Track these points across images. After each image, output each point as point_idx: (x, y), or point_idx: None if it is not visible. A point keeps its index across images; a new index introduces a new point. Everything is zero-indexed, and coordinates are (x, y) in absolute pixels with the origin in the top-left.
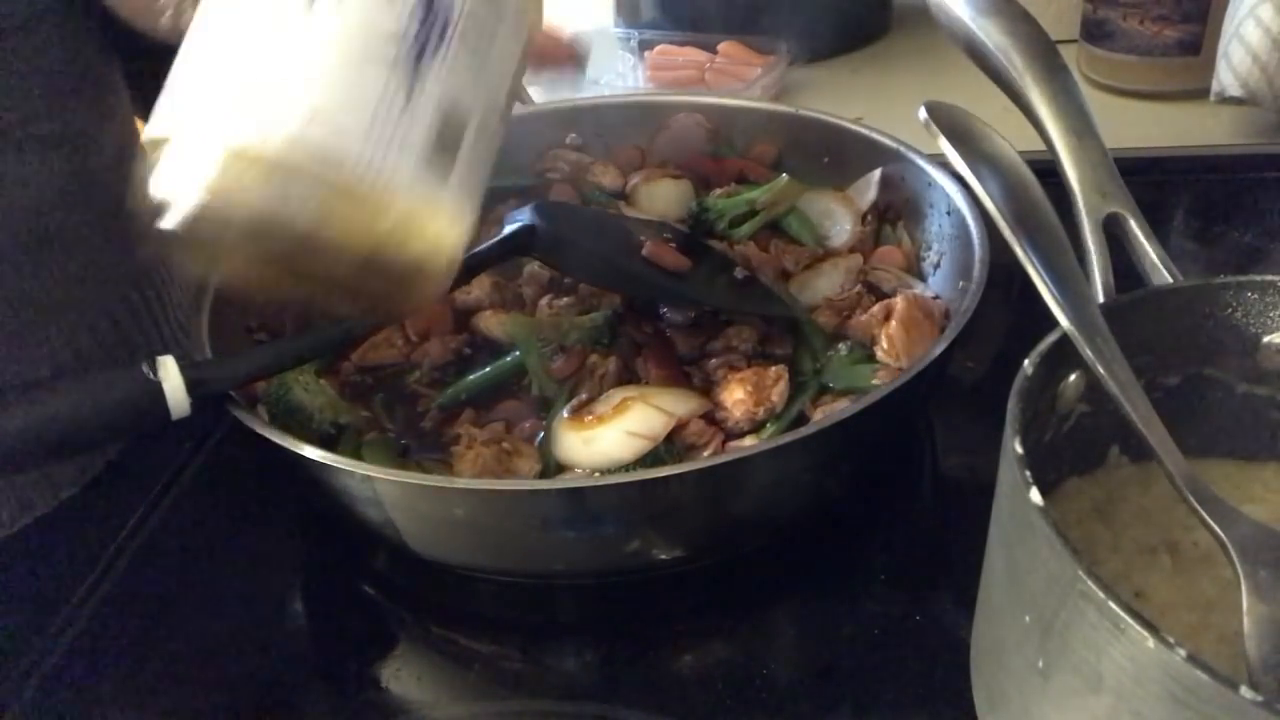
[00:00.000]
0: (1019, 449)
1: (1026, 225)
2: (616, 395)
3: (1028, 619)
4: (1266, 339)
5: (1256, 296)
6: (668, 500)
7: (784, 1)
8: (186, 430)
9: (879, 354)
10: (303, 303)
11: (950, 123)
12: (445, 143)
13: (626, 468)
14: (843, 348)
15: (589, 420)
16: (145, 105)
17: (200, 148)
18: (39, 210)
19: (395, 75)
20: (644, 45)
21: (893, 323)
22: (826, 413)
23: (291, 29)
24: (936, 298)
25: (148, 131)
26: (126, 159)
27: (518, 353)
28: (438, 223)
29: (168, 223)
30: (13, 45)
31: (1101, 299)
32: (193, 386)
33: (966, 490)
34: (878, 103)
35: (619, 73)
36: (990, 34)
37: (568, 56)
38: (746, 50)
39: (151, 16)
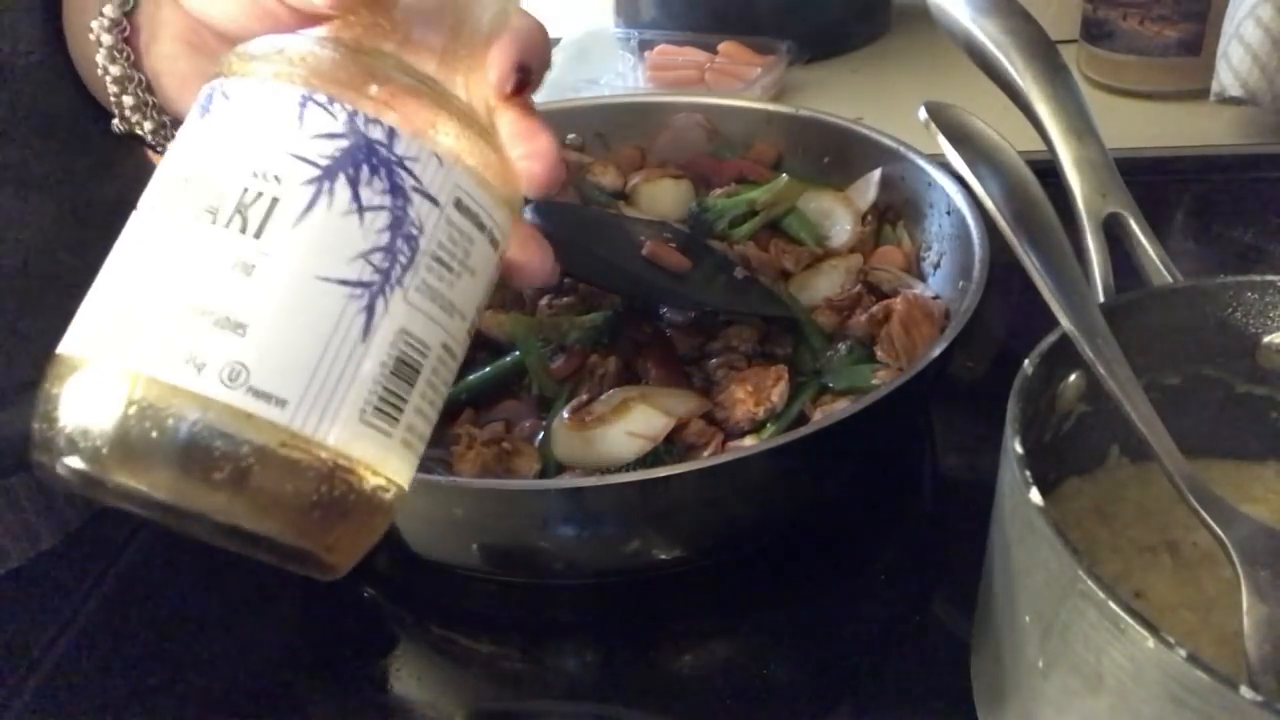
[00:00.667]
0: (1019, 449)
1: (1026, 225)
2: (617, 395)
3: (1028, 619)
4: (1266, 339)
5: (1256, 296)
6: (668, 500)
7: (784, 1)
8: None
9: (879, 354)
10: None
11: (950, 123)
12: (401, 377)
13: (626, 468)
14: (843, 348)
15: (589, 420)
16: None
17: (118, 380)
18: (37, 249)
19: (354, 302)
20: (644, 45)
21: (893, 323)
22: (826, 413)
23: (236, 248)
24: (936, 298)
25: (62, 346)
26: (132, 198)
27: (518, 353)
28: (379, 473)
29: (74, 462)
30: (13, 85)
31: (1101, 299)
32: None
33: (966, 490)
34: (878, 103)
35: (619, 73)
36: (990, 34)
37: (540, 264)
38: (746, 50)
39: (110, 108)
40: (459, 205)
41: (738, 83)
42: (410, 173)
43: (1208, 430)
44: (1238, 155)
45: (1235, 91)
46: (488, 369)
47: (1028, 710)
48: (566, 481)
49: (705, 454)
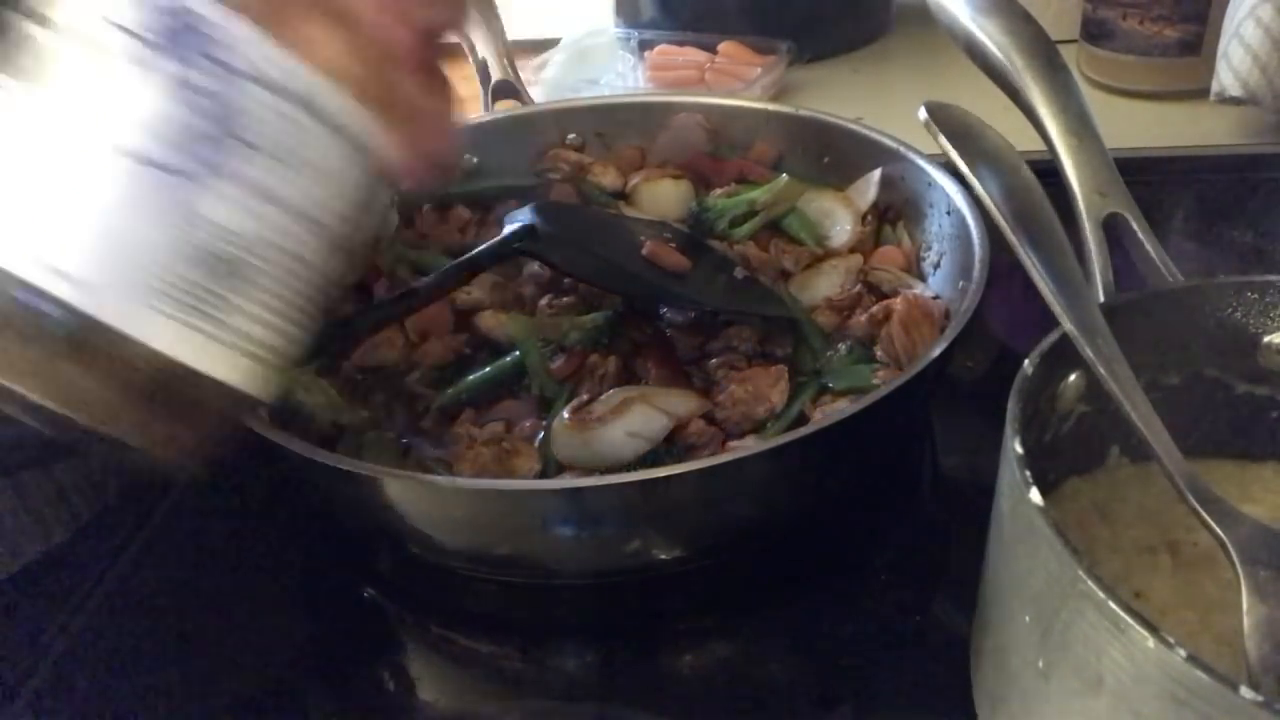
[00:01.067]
0: (1019, 449)
1: (1026, 225)
2: (617, 395)
3: (1028, 619)
4: (1266, 339)
5: (1256, 296)
6: (668, 500)
7: (784, 1)
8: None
9: (879, 354)
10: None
11: (950, 123)
12: (216, 273)
13: (627, 468)
14: (843, 348)
15: (589, 420)
16: None
17: None
18: None
19: (163, 185)
20: (644, 45)
21: (893, 323)
22: (826, 413)
23: (40, 115)
24: (936, 298)
25: None
26: None
27: (518, 353)
28: (200, 372)
29: None
30: None
31: (1101, 299)
32: None
33: (966, 490)
34: (878, 103)
35: (619, 73)
36: (990, 34)
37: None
38: (746, 50)
39: None
40: (304, 101)
41: (738, 83)
42: (241, 55)
43: (1208, 430)
44: (1238, 155)
45: (1235, 91)
46: (488, 369)
47: (1028, 710)
48: (566, 481)
49: (705, 454)
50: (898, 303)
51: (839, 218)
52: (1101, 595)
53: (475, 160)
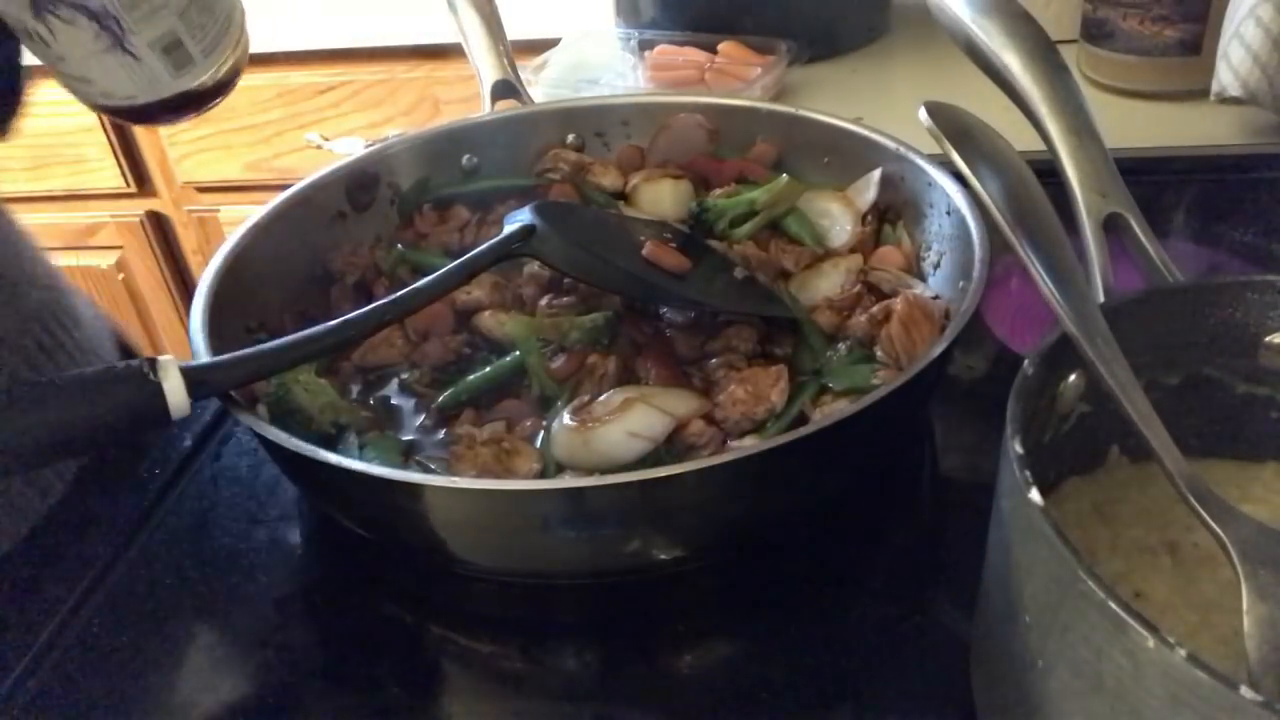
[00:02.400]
0: (1019, 449)
1: (1026, 225)
2: (617, 396)
3: (1028, 619)
4: (1266, 339)
5: (1256, 296)
6: (668, 500)
7: (784, 1)
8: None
9: (879, 354)
10: None
11: (950, 123)
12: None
13: (626, 468)
14: (843, 348)
15: (589, 421)
16: None
17: None
18: None
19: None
20: (644, 45)
21: (893, 323)
22: (826, 413)
23: None
24: (936, 298)
25: None
26: None
27: (518, 353)
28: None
29: None
30: None
31: (1101, 299)
32: (193, 387)
33: (966, 490)
34: (878, 103)
35: (619, 73)
36: (990, 34)
37: None
38: (746, 50)
39: None
40: None
41: (738, 83)
42: None
43: (1208, 430)
44: (1238, 155)
45: (1235, 91)
46: (488, 369)
47: (1028, 710)
48: (566, 481)
49: (705, 454)
50: (898, 303)
51: (839, 218)
52: (1101, 595)
53: (475, 160)
